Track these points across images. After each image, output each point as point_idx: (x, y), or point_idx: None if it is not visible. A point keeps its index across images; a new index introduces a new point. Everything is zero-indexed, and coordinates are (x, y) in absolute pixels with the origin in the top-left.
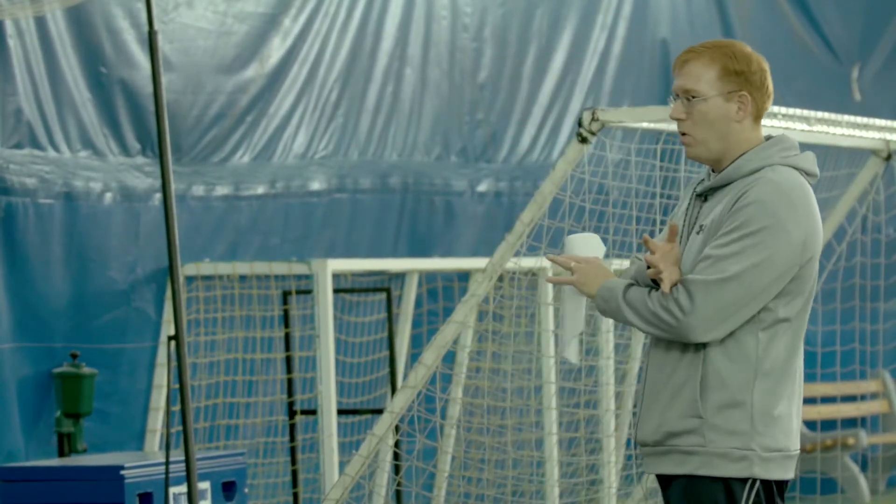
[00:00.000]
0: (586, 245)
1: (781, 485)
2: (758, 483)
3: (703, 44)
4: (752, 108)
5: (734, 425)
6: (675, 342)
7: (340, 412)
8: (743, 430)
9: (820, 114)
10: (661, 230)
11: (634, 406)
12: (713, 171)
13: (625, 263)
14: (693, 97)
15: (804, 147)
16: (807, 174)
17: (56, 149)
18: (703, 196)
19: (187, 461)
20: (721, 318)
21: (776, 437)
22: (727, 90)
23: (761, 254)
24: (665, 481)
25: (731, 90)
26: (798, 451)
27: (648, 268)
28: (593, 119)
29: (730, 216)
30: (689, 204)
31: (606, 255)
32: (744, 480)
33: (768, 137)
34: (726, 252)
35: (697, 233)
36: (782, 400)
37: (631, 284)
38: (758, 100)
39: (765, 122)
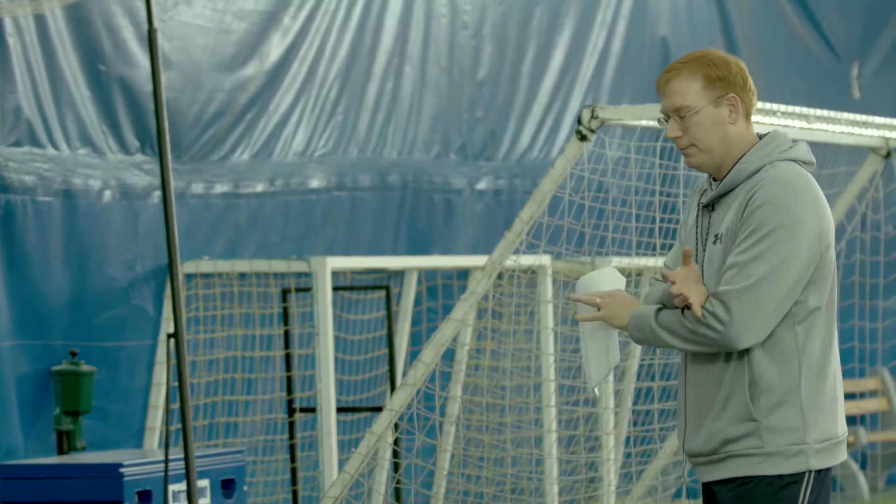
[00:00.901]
0: (604, 280)
1: (832, 470)
2: (812, 475)
3: (679, 60)
4: (742, 108)
5: (788, 422)
6: (717, 353)
7: (339, 410)
8: (796, 426)
9: (819, 111)
10: (660, 229)
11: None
12: (713, 179)
13: (625, 261)
14: (685, 114)
15: None
16: (804, 164)
17: (55, 146)
18: (710, 206)
19: (186, 459)
20: (760, 321)
21: (826, 427)
22: (715, 96)
23: (783, 251)
24: (713, 489)
25: (719, 95)
26: (846, 435)
27: (675, 297)
28: (593, 117)
29: (743, 221)
30: (697, 215)
31: (606, 254)
32: (800, 475)
33: (760, 135)
34: (749, 256)
35: (714, 243)
36: (827, 388)
37: (661, 308)
38: (745, 99)
39: (764, 120)
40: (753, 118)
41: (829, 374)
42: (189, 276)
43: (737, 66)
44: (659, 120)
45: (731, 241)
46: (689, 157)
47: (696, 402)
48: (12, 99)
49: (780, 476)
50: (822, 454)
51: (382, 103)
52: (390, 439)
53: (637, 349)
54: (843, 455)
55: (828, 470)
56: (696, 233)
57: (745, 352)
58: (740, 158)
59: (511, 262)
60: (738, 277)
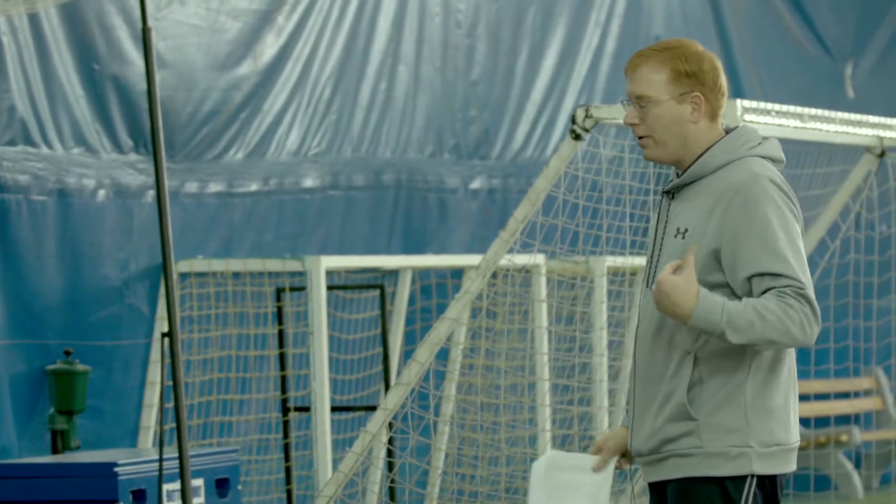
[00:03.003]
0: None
1: (781, 478)
2: (755, 480)
3: (653, 46)
4: (707, 108)
5: (730, 423)
6: (659, 346)
7: (334, 409)
8: (738, 427)
9: (813, 111)
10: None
11: (626, 415)
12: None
13: (618, 261)
14: (646, 102)
15: (798, 144)
16: (774, 161)
17: (49, 146)
18: (671, 194)
19: (181, 458)
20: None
21: (774, 432)
22: (679, 92)
23: (788, 228)
24: (659, 489)
25: (684, 92)
26: (798, 444)
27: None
28: (587, 116)
29: (731, 223)
30: (659, 205)
31: (600, 253)
32: (741, 478)
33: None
34: (775, 243)
35: (675, 236)
36: (776, 393)
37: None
38: (712, 99)
39: (759, 119)
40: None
41: (780, 381)
42: (183, 276)
43: (710, 63)
44: (622, 102)
45: (705, 238)
46: (644, 148)
47: (639, 398)
48: (6, 98)
49: (721, 478)
50: (767, 459)
51: (376, 103)
52: (384, 438)
53: (631, 347)
54: (793, 464)
55: (774, 477)
56: (657, 219)
57: (692, 351)
58: (706, 150)
59: (505, 261)
60: (779, 266)
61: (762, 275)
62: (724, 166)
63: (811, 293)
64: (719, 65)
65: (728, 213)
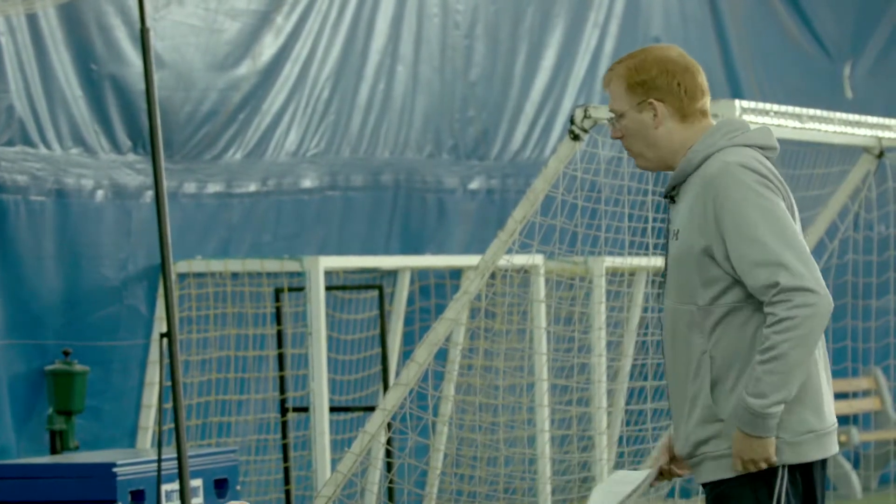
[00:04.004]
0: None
1: (819, 464)
2: (786, 470)
3: (617, 61)
4: (668, 110)
5: None
6: (679, 350)
7: (332, 409)
8: None
9: (812, 111)
10: (653, 228)
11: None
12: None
13: (617, 261)
14: (617, 117)
15: (797, 145)
16: (761, 148)
17: (47, 146)
18: (671, 199)
19: (179, 458)
20: (811, 265)
21: (804, 419)
22: (636, 101)
23: (764, 207)
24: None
25: (640, 101)
26: (834, 426)
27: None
28: (585, 116)
29: (712, 217)
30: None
31: (599, 253)
32: (771, 471)
33: None
34: (747, 237)
35: (674, 238)
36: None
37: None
38: (672, 102)
39: (758, 119)
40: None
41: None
42: (182, 276)
43: (660, 68)
44: (608, 120)
45: (693, 237)
46: (634, 159)
47: (675, 403)
48: (5, 98)
49: (750, 475)
50: (798, 448)
51: (375, 103)
52: (383, 439)
53: (630, 348)
54: (830, 448)
55: (810, 465)
56: (667, 225)
57: (706, 351)
58: (689, 149)
59: (504, 261)
60: (760, 249)
61: (750, 267)
62: (705, 161)
63: (795, 268)
64: (676, 67)
65: (707, 207)
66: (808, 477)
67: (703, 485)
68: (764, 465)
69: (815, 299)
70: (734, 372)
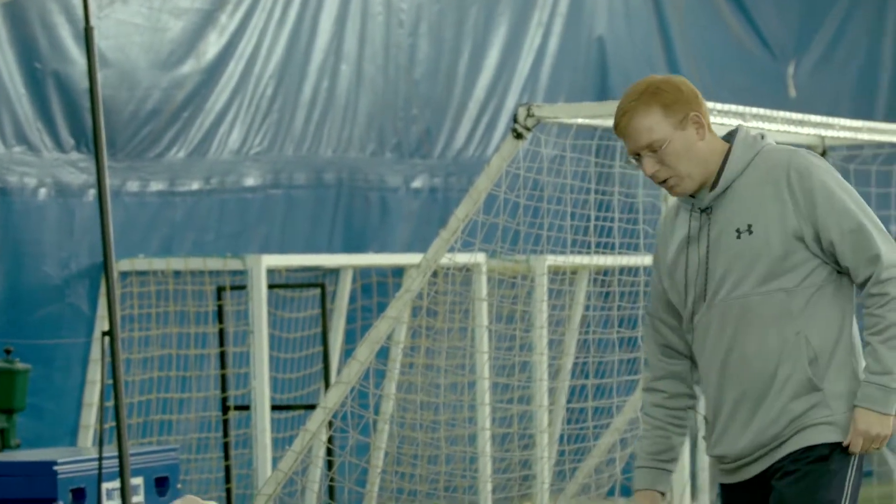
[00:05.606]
0: None
1: None
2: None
3: (627, 98)
4: (705, 120)
5: (849, 388)
6: (758, 341)
7: (274, 408)
8: (853, 390)
9: (755, 110)
10: (595, 227)
11: (708, 424)
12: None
13: (559, 259)
14: (658, 147)
15: None
16: None
17: None
18: (708, 209)
19: (120, 457)
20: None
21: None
22: (678, 121)
23: (847, 190)
24: (758, 483)
25: (681, 118)
26: None
27: None
28: (528, 115)
29: (802, 201)
30: (688, 224)
31: (541, 252)
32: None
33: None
34: (845, 212)
35: (737, 237)
36: (859, 354)
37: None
38: (703, 112)
39: None
40: None
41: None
42: (124, 274)
43: (682, 83)
44: (628, 160)
45: (775, 226)
46: (673, 187)
47: (744, 396)
48: None
49: (834, 444)
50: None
51: (318, 101)
52: (324, 437)
53: (572, 347)
54: None
55: None
56: (698, 236)
57: (800, 331)
58: (726, 159)
59: (446, 259)
60: (856, 234)
61: (842, 236)
62: (751, 162)
63: (890, 246)
64: (686, 80)
65: (792, 194)
66: None
67: (781, 460)
68: (884, 443)
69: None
70: (830, 345)
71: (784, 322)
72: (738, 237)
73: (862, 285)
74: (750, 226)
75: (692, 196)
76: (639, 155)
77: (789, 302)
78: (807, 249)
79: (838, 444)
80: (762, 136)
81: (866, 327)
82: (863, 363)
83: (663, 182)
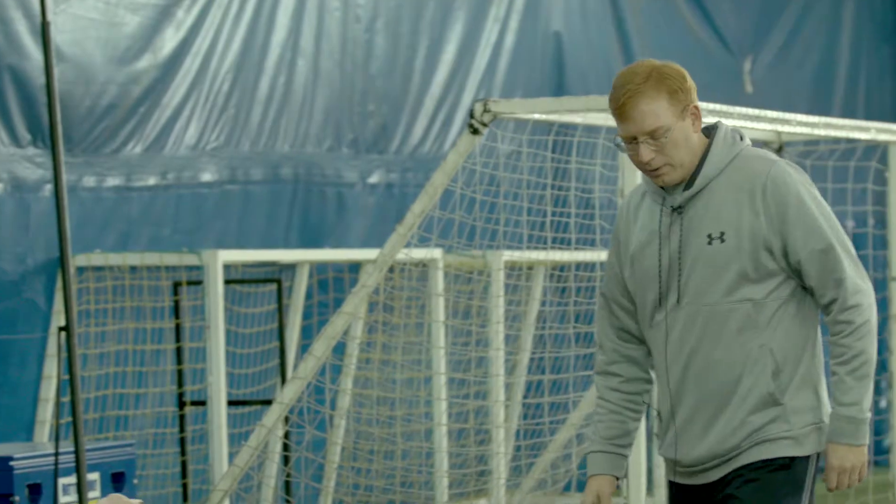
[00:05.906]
0: None
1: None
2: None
3: (633, 81)
4: (699, 112)
5: (809, 402)
6: (723, 351)
7: (230, 403)
8: (813, 406)
9: (712, 105)
10: (551, 222)
11: (662, 432)
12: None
13: (515, 255)
14: (660, 134)
15: None
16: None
17: None
18: (680, 208)
19: (77, 452)
20: (863, 274)
21: (826, 403)
22: (679, 110)
23: (822, 208)
24: (711, 487)
25: (683, 108)
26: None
27: None
28: (485, 110)
29: (774, 214)
30: (658, 218)
31: (497, 247)
32: (807, 457)
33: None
34: (816, 230)
35: (708, 243)
36: (821, 365)
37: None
38: (699, 104)
39: None
40: None
41: (820, 354)
42: (80, 269)
43: (685, 72)
44: (617, 144)
45: (747, 235)
46: (662, 175)
47: (702, 404)
48: None
49: (804, 457)
50: (824, 433)
51: (275, 97)
52: (280, 432)
53: (528, 342)
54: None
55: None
56: (667, 232)
57: (765, 343)
58: (705, 156)
59: (402, 255)
60: (824, 259)
61: (810, 254)
62: (729, 164)
63: (856, 271)
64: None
65: (766, 205)
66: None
67: (737, 470)
68: (862, 476)
69: (872, 297)
70: (794, 359)
71: (749, 333)
72: (710, 243)
73: (825, 307)
74: (723, 233)
75: (663, 188)
76: (634, 139)
77: (756, 313)
78: (775, 262)
79: (797, 456)
80: (741, 137)
81: (833, 357)
82: (824, 379)
83: (654, 170)
